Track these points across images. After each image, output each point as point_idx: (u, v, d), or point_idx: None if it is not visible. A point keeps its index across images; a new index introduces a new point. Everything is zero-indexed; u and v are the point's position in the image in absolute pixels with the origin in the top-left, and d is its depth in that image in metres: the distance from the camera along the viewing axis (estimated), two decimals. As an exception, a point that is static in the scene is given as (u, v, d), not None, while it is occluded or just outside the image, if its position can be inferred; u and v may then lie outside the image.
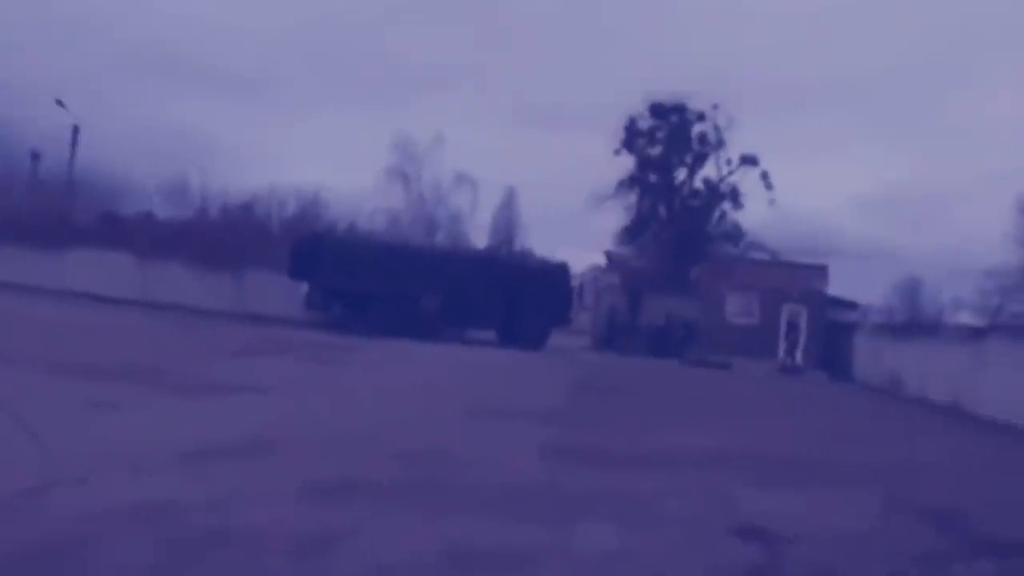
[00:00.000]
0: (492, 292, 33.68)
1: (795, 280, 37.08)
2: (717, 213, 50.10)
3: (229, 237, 38.03)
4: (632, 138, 49.81)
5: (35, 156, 43.96)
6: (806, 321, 36.86)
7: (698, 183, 50.06)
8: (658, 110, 49.38)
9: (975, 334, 24.17)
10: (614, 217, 49.70)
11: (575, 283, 40.44)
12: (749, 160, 48.72)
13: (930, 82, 77.86)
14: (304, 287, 33.62)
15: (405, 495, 8.62)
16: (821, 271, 37.45)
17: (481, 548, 7.08)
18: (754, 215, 48.90)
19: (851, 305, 39.53)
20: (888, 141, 78.68)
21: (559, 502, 8.93)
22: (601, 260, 52.76)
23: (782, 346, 35.69)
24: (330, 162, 59.59)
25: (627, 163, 49.71)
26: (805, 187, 79.87)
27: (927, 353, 26.10)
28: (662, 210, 50.40)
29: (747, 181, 48.94)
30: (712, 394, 24.05)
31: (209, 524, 6.93)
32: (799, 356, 36.58)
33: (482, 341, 34.00)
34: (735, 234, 49.80)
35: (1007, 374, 21.29)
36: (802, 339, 36.79)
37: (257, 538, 6.73)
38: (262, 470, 9.06)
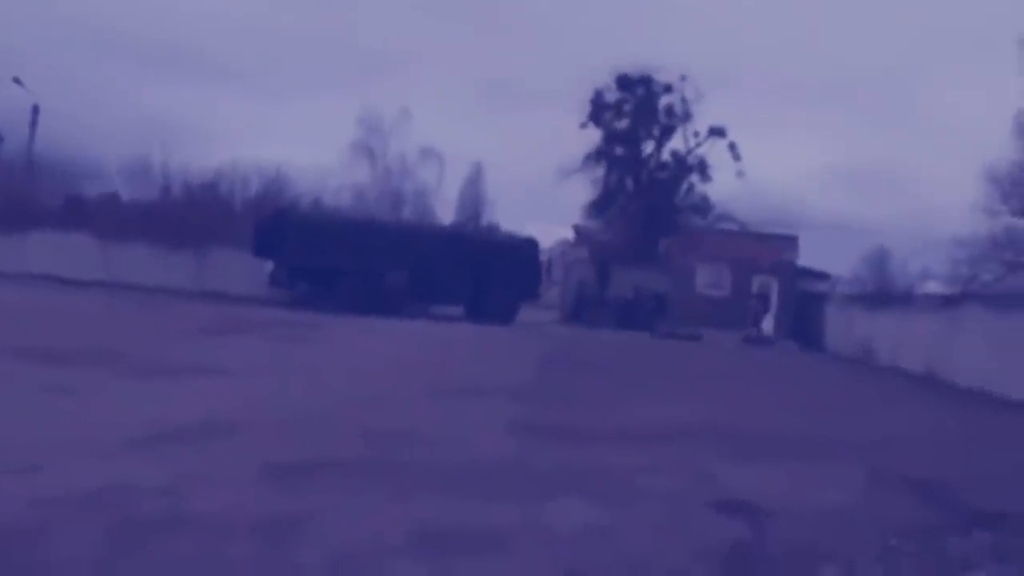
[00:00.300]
0: (460, 267, 33.30)
1: (766, 251, 36.88)
2: (685, 186, 49.84)
3: (192, 216, 37.41)
4: (599, 111, 49.39)
5: (-6, 136, 43.18)
6: (777, 292, 36.70)
7: (666, 156, 49.83)
8: (625, 82, 48.97)
9: (948, 302, 24.01)
10: (581, 191, 49.53)
11: (543, 258, 40.07)
12: (717, 131, 48.49)
13: (895, 54, 77.94)
14: (269, 265, 33.12)
15: (371, 475, 8.27)
16: (791, 242, 37.30)
17: (451, 528, 6.73)
18: (722, 187, 48.82)
19: (822, 275, 39.50)
20: (851, 114, 78.90)
21: (530, 479, 8.61)
22: (569, 235, 52.57)
23: (751, 317, 35.44)
24: (295, 140, 59.21)
25: (594, 137, 49.46)
26: (771, 160, 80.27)
27: (899, 322, 25.98)
28: (629, 183, 50.07)
29: (715, 153, 48.87)
30: (683, 366, 23.78)
31: (166, 509, 6.55)
32: (770, 327, 36.41)
33: (450, 317, 33.65)
34: (703, 206, 49.57)
35: (981, 343, 21.19)
36: (773, 310, 36.59)
37: (216, 523, 6.36)
38: (223, 452, 8.67)
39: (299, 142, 65.17)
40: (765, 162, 77.11)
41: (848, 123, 79.78)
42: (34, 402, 10.34)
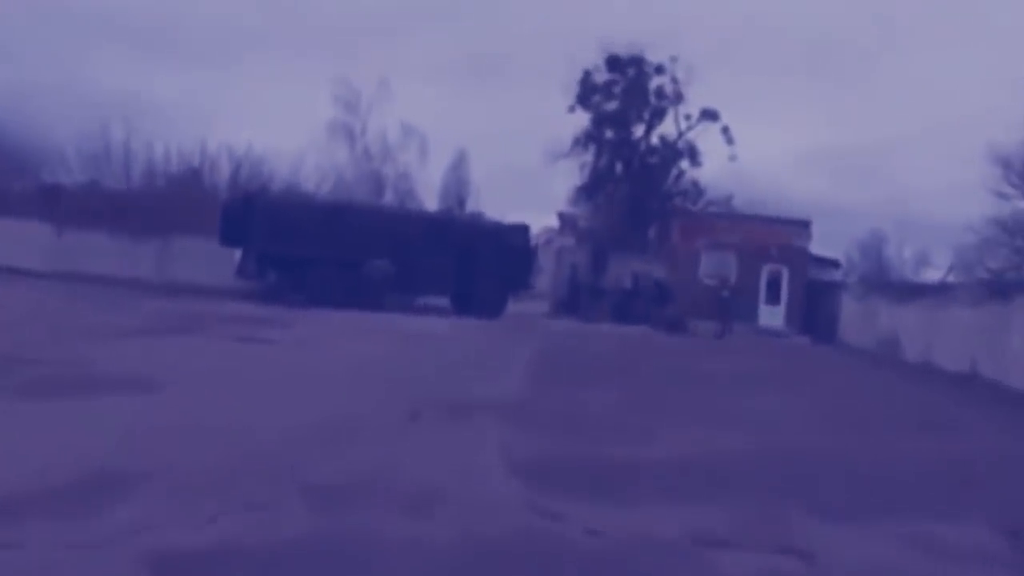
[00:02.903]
0: (445, 256, 30.04)
1: (775, 237, 33.28)
2: (675, 171, 47.17)
3: (156, 203, 34.05)
4: (588, 93, 46.57)
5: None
6: (787, 281, 33.16)
7: (655, 140, 46.94)
8: (615, 63, 46.12)
9: (997, 293, 20.73)
10: (568, 177, 46.97)
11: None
12: (710, 114, 45.96)
13: (881, 38, 74.94)
14: (237, 254, 29.68)
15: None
16: (803, 227, 33.66)
17: None
18: (710, 173, 46.16)
19: (833, 263, 36.30)
20: (839, 95, 75.94)
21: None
22: (554, 222, 49.61)
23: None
24: (270, 122, 55.07)
25: (582, 120, 46.50)
26: (758, 143, 77.17)
27: (933, 315, 22.64)
28: (619, 168, 47.21)
29: (705, 136, 46.21)
30: (706, 369, 19.97)
31: None
32: (781, 319, 32.97)
33: (434, 309, 30.33)
34: (694, 192, 46.97)
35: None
36: (784, 300, 33.14)
37: None
38: (83, 534, 5.41)
39: (274, 124, 61.21)
40: (753, 145, 74.09)
41: (836, 105, 76.83)
42: None
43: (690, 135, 46.43)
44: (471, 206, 49.40)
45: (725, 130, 45.67)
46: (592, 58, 45.69)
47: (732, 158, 45.00)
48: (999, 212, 36.15)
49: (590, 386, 14.92)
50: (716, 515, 7.15)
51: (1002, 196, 35.79)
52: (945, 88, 74.28)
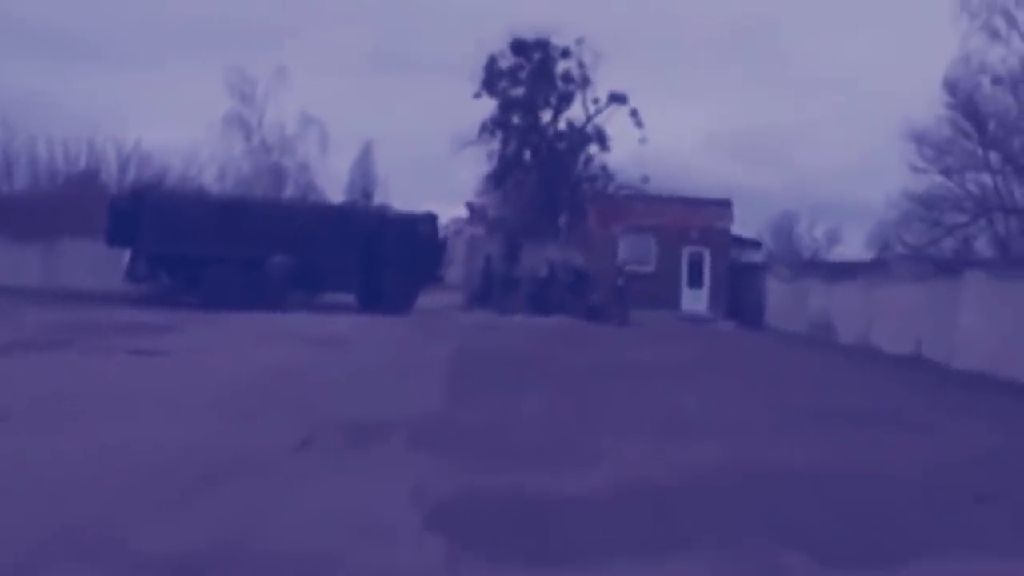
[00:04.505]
0: (349, 250, 27.81)
1: (696, 218, 31.56)
2: (584, 156, 45.61)
3: (40, 205, 31.19)
4: (493, 79, 44.57)
5: None
6: (710, 264, 31.48)
7: (563, 125, 45.29)
8: (520, 47, 44.25)
9: (945, 271, 19.23)
10: (476, 166, 45.08)
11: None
12: (618, 98, 44.41)
13: (789, 18, 74.50)
14: (126, 255, 27.05)
15: None
16: (724, 207, 31.98)
17: None
18: (620, 158, 44.71)
19: (755, 244, 34.88)
20: (741, 78, 75.29)
21: None
22: (463, 212, 47.69)
23: (684, 293, 30.20)
24: (163, 117, 51.70)
25: (489, 107, 44.56)
26: (664, 127, 76.14)
27: (870, 295, 21.12)
28: (527, 155, 45.47)
29: (615, 121, 44.64)
30: (634, 361, 17.86)
31: None
32: (704, 304, 31.29)
33: (340, 307, 28.08)
34: (603, 177, 45.46)
35: (985, 318, 16.57)
36: (707, 283, 31.46)
37: None
38: None
39: (167, 120, 57.58)
40: (661, 129, 72.99)
41: (744, 87, 76.15)
42: None
43: (598, 119, 44.92)
44: (378, 199, 47.19)
45: (634, 113, 44.24)
46: (498, 44, 43.79)
47: (642, 141, 43.59)
48: (915, 187, 35.99)
49: (514, 390, 12.94)
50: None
51: (918, 170, 35.49)
52: (853, 69, 74.01)
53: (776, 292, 28.11)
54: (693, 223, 31.23)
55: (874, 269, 22.55)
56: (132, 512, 6.06)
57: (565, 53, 44.23)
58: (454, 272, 34.94)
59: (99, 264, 27.99)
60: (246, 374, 13.25)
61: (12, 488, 6.56)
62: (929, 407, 13.51)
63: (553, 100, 45.17)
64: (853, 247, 47.93)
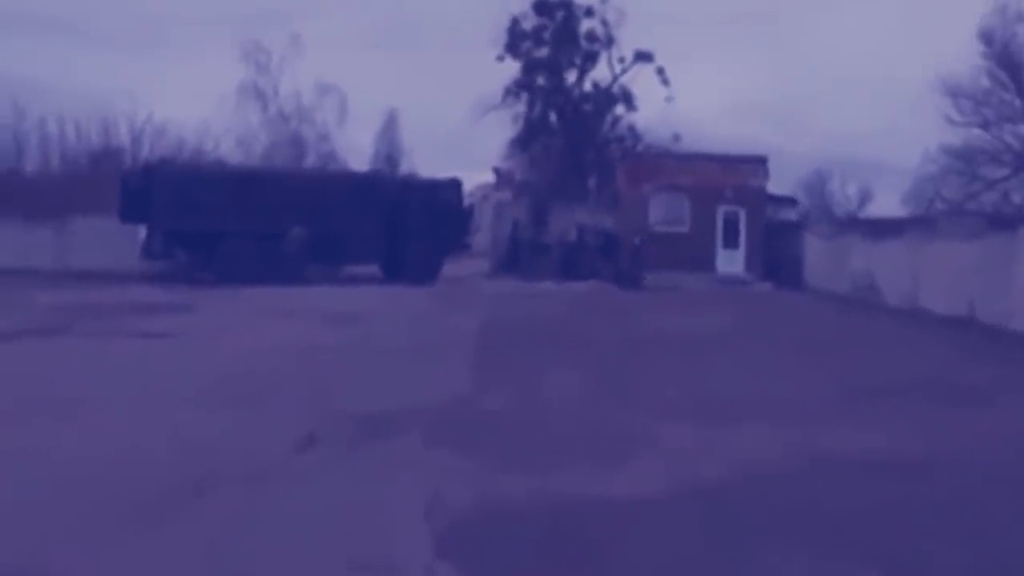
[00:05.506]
0: (370, 219, 26.62)
1: (730, 176, 29.91)
2: (610, 117, 44.21)
3: (52, 184, 30.19)
4: (516, 41, 43.17)
5: None
6: (745, 223, 29.87)
7: (588, 86, 43.88)
8: (543, 7, 42.87)
9: (998, 226, 17.67)
10: (502, 130, 43.78)
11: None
12: (644, 56, 42.93)
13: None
14: (141, 232, 25.97)
15: None
16: (760, 165, 30.27)
17: None
18: (647, 119, 43.27)
19: (790, 201, 33.30)
20: (767, 39, 73.25)
21: None
22: (489, 177, 46.34)
23: (720, 255, 28.61)
24: (178, 92, 50.31)
25: (512, 69, 43.17)
26: (692, 89, 74.29)
27: (920, 252, 19.53)
28: (553, 117, 44.07)
29: (640, 81, 43.22)
30: (676, 330, 16.52)
31: None
32: (741, 265, 29.72)
33: (363, 278, 26.89)
34: (631, 138, 44.01)
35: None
36: (743, 244, 29.86)
37: None
38: None
39: (182, 94, 56.17)
40: (688, 90, 71.09)
41: (766, 48, 73.99)
42: None
43: (624, 79, 43.46)
44: (404, 168, 45.96)
45: (660, 71, 42.84)
46: (520, 4, 42.35)
47: (669, 99, 42.13)
48: (952, 142, 34.72)
49: (546, 369, 11.71)
50: None
51: (955, 124, 34.13)
52: (883, 28, 71.72)
53: (815, 251, 26.48)
54: (728, 181, 29.60)
55: (921, 226, 20.97)
56: (85, 545, 4.90)
57: (588, 12, 42.80)
58: (481, 238, 33.69)
59: (113, 242, 26.92)
60: (256, 357, 12.10)
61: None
62: (996, 377, 12.12)
63: (578, 60, 43.75)
64: (885, 205, 46.62)
